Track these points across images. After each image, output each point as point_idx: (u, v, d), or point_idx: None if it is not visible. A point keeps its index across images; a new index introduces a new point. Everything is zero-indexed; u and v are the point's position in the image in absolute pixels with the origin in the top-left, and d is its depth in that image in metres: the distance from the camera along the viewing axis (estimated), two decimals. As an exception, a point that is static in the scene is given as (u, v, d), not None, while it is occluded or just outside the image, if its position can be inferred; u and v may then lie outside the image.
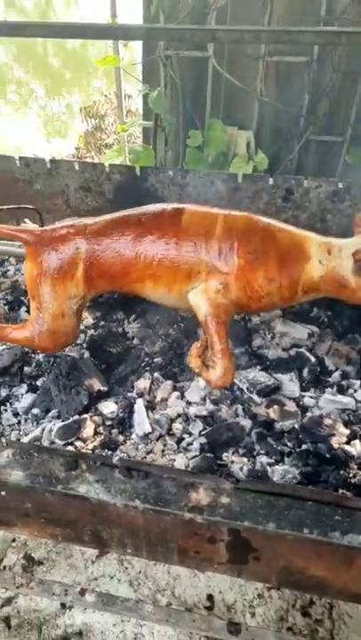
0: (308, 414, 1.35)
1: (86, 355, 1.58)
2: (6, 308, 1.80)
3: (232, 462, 1.25)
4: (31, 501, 1.13)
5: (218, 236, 1.24)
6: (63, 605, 1.78)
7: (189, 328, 1.63)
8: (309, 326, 1.62)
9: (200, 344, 1.32)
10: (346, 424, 1.31)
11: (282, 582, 1.14)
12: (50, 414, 1.42)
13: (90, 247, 1.29)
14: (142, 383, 1.49)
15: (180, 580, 1.80)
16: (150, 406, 1.42)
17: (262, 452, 1.28)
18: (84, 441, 1.33)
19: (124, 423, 1.38)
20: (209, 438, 1.31)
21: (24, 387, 1.51)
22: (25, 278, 1.71)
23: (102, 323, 1.70)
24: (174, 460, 1.25)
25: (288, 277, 1.24)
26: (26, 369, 1.56)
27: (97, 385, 1.46)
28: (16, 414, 1.44)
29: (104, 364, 1.55)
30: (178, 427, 1.36)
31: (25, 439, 1.31)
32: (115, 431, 1.37)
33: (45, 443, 1.29)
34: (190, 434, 1.35)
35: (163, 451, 1.31)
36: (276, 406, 1.38)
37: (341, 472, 1.16)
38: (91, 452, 1.20)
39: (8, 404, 1.46)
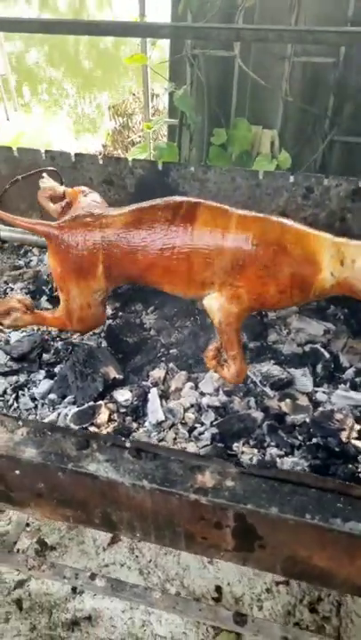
0: (320, 409, 1.36)
1: (104, 344, 1.62)
2: (28, 296, 1.85)
3: (242, 453, 1.27)
4: (44, 481, 1.16)
5: (230, 251, 1.27)
6: (74, 590, 1.82)
7: (205, 322, 1.65)
8: (325, 323, 1.62)
9: (215, 347, 1.38)
10: (358, 420, 1.31)
11: (287, 572, 1.15)
12: (66, 400, 1.45)
13: (107, 252, 1.36)
14: (157, 373, 1.52)
15: (189, 571, 1.82)
16: (164, 395, 1.45)
17: (273, 444, 1.29)
18: (98, 427, 1.36)
19: (137, 411, 1.41)
20: (220, 428, 1.33)
21: (42, 373, 1.55)
22: (51, 273, 1.79)
23: (120, 313, 1.74)
24: (185, 448, 1.28)
25: (299, 288, 1.27)
26: (44, 356, 1.60)
27: (113, 373, 1.49)
28: (33, 399, 1.48)
29: (120, 354, 1.58)
30: (190, 416, 1.38)
31: (41, 423, 1.35)
32: (128, 418, 1.40)
33: (61, 426, 1.33)
34: (202, 423, 1.37)
35: (174, 439, 1.34)
36: (288, 400, 1.39)
37: (350, 466, 1.16)
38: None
39: (26, 389, 1.51)
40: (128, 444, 1.03)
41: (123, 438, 1.08)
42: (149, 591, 1.51)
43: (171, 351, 1.59)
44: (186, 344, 1.60)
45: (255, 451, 1.28)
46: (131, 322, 1.70)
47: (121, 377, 1.49)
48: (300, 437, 1.30)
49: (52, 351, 1.62)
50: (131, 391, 1.46)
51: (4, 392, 1.49)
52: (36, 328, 1.70)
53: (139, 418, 1.41)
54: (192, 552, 1.22)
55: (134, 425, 1.38)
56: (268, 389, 1.44)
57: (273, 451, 1.27)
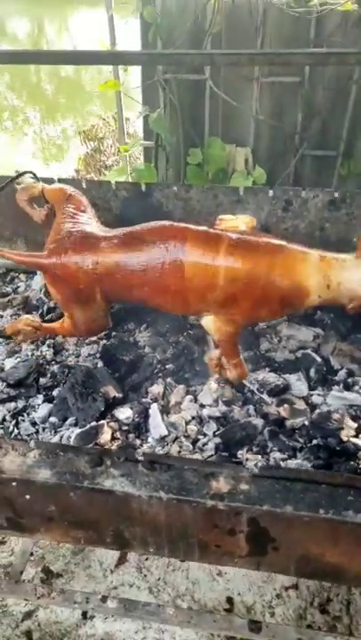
0: (317, 411, 1.41)
1: (100, 364, 1.64)
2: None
3: (247, 460, 1.30)
4: (56, 504, 1.17)
5: (221, 289, 1.35)
6: (84, 616, 1.80)
7: (199, 335, 1.69)
8: (314, 329, 1.69)
9: (216, 356, 1.51)
10: (354, 419, 1.36)
11: (300, 572, 1.17)
12: (67, 422, 1.46)
13: (103, 283, 1.47)
14: (156, 389, 1.54)
15: (198, 585, 1.82)
16: (165, 410, 1.47)
17: (275, 448, 1.33)
18: (102, 446, 1.37)
19: (140, 428, 1.43)
20: (223, 438, 1.36)
21: (40, 397, 1.56)
22: (42, 297, 1.82)
23: (114, 333, 1.76)
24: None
25: (289, 308, 1.41)
26: (41, 380, 1.61)
27: (112, 392, 1.51)
28: (34, 424, 1.48)
29: (117, 373, 1.60)
30: (193, 428, 1.41)
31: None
32: (131, 435, 1.42)
33: (65, 449, 1.34)
34: (205, 435, 1.39)
35: (179, 452, 1.36)
36: (286, 405, 1.43)
37: (352, 463, 1.21)
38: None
39: (25, 415, 1.51)
40: (141, 458, 1.05)
41: (136, 451, 1.10)
42: (162, 608, 1.51)
43: (167, 366, 1.62)
44: (181, 358, 1.64)
45: (259, 457, 1.31)
46: (125, 341, 1.73)
47: (120, 395, 1.51)
48: (300, 440, 1.34)
49: (49, 375, 1.63)
50: (131, 408, 1.48)
51: (4, 419, 1.49)
52: (30, 354, 1.71)
53: (141, 434, 1.42)
54: (206, 562, 1.23)
55: (138, 441, 1.40)
56: (265, 396, 1.48)
57: (276, 455, 1.30)
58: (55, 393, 1.55)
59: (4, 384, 1.58)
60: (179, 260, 1.36)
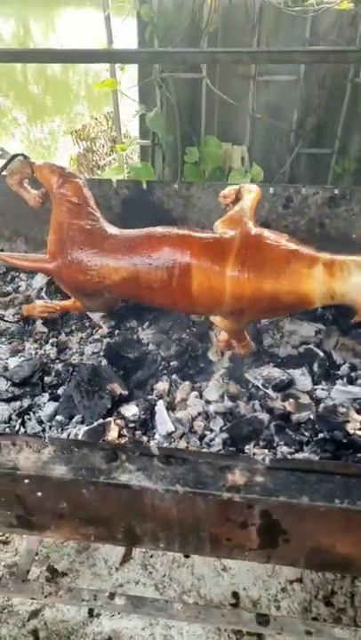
0: (322, 405, 1.42)
1: (104, 362, 1.64)
2: (21, 322, 1.85)
3: (254, 454, 1.31)
4: (68, 500, 1.17)
5: (228, 304, 1.39)
6: (90, 614, 1.80)
7: (202, 331, 1.70)
8: (316, 324, 1.70)
9: (224, 338, 1.58)
10: (359, 412, 1.38)
11: (310, 563, 1.19)
12: (74, 420, 1.46)
13: (109, 287, 1.48)
14: (161, 385, 1.55)
15: (204, 580, 1.84)
16: (171, 407, 1.48)
17: (282, 442, 1.34)
18: (109, 443, 1.38)
19: (146, 424, 1.44)
20: (230, 433, 1.37)
21: (45, 395, 1.56)
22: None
23: (117, 331, 1.77)
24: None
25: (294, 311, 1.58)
26: (46, 378, 1.61)
27: (118, 389, 1.51)
28: (40, 422, 1.48)
29: (122, 370, 1.61)
30: (199, 424, 1.42)
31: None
32: (138, 432, 1.42)
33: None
34: (212, 430, 1.40)
35: (187, 447, 1.37)
36: (291, 399, 1.45)
37: (359, 455, 1.22)
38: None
39: (32, 413, 1.51)
40: (157, 452, 1.06)
41: (150, 444, 1.11)
42: (170, 604, 1.52)
43: (171, 363, 1.62)
44: (185, 355, 1.65)
45: (266, 451, 1.32)
46: (128, 338, 1.73)
47: (126, 393, 1.52)
48: (306, 434, 1.36)
49: (53, 373, 1.63)
50: (137, 405, 1.48)
51: (10, 418, 1.49)
52: (33, 352, 1.71)
53: (148, 431, 1.43)
54: (216, 555, 1.25)
55: (145, 438, 1.41)
56: (270, 391, 1.49)
57: (283, 449, 1.31)
58: (60, 391, 1.56)
59: (9, 383, 1.58)
60: (187, 282, 1.39)
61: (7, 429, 1.45)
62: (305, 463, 1.05)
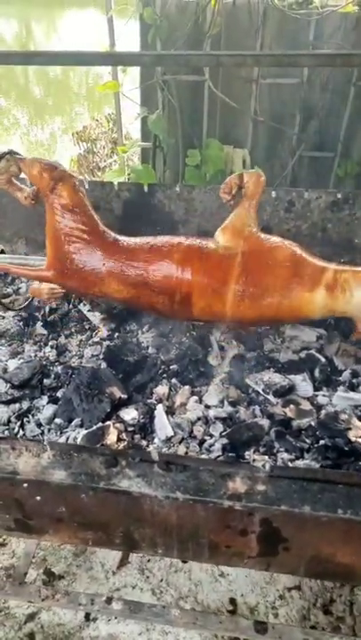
0: (323, 411, 1.41)
1: (103, 365, 1.63)
2: (21, 324, 1.85)
3: (254, 460, 1.30)
4: (66, 505, 1.16)
5: (228, 322, 1.50)
6: (87, 618, 1.79)
7: (202, 335, 1.69)
8: (317, 329, 1.69)
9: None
10: (360, 419, 1.37)
11: (310, 572, 1.18)
12: (73, 423, 1.46)
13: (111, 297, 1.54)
14: (161, 389, 1.54)
15: (201, 586, 1.82)
16: (170, 411, 1.47)
17: (282, 449, 1.33)
18: (108, 447, 1.37)
19: (145, 428, 1.43)
20: (230, 438, 1.36)
21: (45, 398, 1.55)
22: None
23: (117, 334, 1.76)
24: (198, 460, 1.30)
25: None
26: (45, 381, 1.60)
27: (117, 393, 1.50)
28: (39, 425, 1.47)
29: (121, 374, 1.60)
30: (199, 429, 1.41)
31: (52, 447, 1.35)
32: (137, 436, 1.41)
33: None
34: (211, 435, 1.39)
35: (186, 453, 1.36)
36: (291, 405, 1.44)
37: (361, 463, 1.22)
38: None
39: (31, 416, 1.50)
40: (157, 458, 1.05)
41: (151, 451, 1.10)
42: (167, 609, 1.50)
43: (171, 367, 1.61)
44: (185, 359, 1.64)
45: (266, 457, 1.31)
46: (128, 341, 1.72)
47: (126, 396, 1.51)
48: (307, 440, 1.35)
49: (53, 376, 1.62)
50: (136, 409, 1.47)
51: (9, 420, 1.48)
52: (33, 355, 1.70)
53: (147, 435, 1.42)
54: (215, 562, 1.24)
55: (144, 442, 1.40)
56: (270, 397, 1.48)
57: (284, 455, 1.30)
58: (60, 394, 1.55)
59: (9, 385, 1.57)
60: (188, 306, 1.46)
61: (6, 432, 1.45)
62: (307, 472, 1.04)
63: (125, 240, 1.51)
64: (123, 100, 3.01)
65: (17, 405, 1.53)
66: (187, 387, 1.54)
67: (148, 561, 1.92)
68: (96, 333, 1.76)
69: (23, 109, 8.54)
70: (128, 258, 1.46)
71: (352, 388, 1.49)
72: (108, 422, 1.43)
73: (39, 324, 1.81)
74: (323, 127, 2.73)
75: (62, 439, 1.40)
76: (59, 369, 1.63)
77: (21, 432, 1.44)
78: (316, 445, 1.32)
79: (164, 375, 1.59)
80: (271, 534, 1.08)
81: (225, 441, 1.36)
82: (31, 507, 1.20)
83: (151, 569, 1.89)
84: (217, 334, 1.69)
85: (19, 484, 1.09)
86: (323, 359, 1.58)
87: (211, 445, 1.37)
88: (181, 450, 1.37)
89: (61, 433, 1.44)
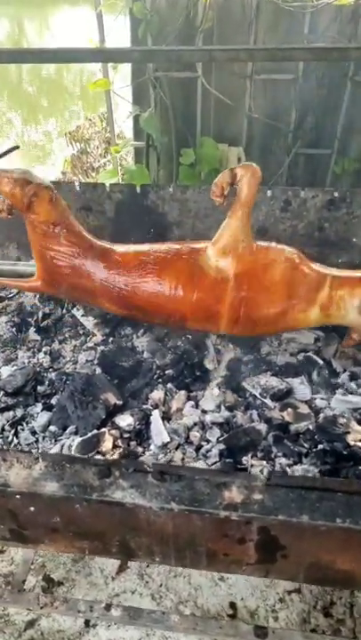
0: (322, 415, 1.40)
1: (98, 370, 1.61)
2: (14, 330, 1.82)
3: (252, 466, 1.28)
4: (61, 515, 1.15)
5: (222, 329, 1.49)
6: (87, 624, 1.78)
7: (198, 339, 1.67)
8: (315, 331, 1.67)
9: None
10: (359, 422, 1.35)
11: (309, 578, 1.17)
12: (67, 430, 1.43)
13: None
14: (156, 395, 1.52)
15: (201, 590, 1.81)
16: (166, 417, 1.45)
17: (280, 454, 1.31)
18: (104, 454, 1.35)
19: (141, 435, 1.41)
20: (227, 444, 1.34)
21: (39, 405, 1.53)
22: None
23: (111, 339, 1.73)
24: (195, 466, 1.28)
25: None
26: (39, 388, 1.58)
27: (112, 399, 1.48)
28: (33, 433, 1.45)
29: (116, 379, 1.57)
30: (195, 434, 1.39)
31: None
32: (133, 443, 1.39)
33: (66, 458, 1.32)
34: (208, 441, 1.38)
35: (182, 459, 1.34)
36: (289, 409, 1.42)
37: (360, 467, 1.20)
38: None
39: (24, 424, 1.48)
40: (151, 468, 1.03)
41: (144, 461, 1.08)
42: (167, 615, 1.49)
43: (167, 372, 1.59)
44: (181, 363, 1.61)
45: (264, 462, 1.30)
46: (123, 346, 1.70)
47: (121, 402, 1.49)
48: (306, 445, 1.33)
49: (47, 382, 1.60)
50: (132, 415, 1.45)
51: (3, 429, 1.46)
52: (26, 361, 1.68)
53: (143, 441, 1.40)
54: (213, 570, 1.22)
55: (140, 449, 1.38)
56: (268, 401, 1.46)
57: (282, 460, 1.29)
58: (54, 401, 1.52)
59: (2, 393, 1.54)
60: (183, 325, 1.48)
61: (0, 440, 1.43)
62: (305, 480, 1.02)
63: (115, 253, 1.48)
64: (116, 99, 2.98)
65: (11, 413, 1.51)
66: (183, 391, 1.52)
67: (148, 566, 1.91)
68: (90, 338, 1.74)
69: (16, 109, 8.47)
70: (118, 278, 1.45)
71: (351, 390, 1.47)
72: (103, 429, 1.41)
73: (32, 329, 1.79)
74: (319, 123, 2.69)
75: (57, 447, 1.38)
76: (53, 375, 1.61)
77: (15, 440, 1.43)
78: (314, 450, 1.30)
79: (160, 380, 1.57)
80: (269, 542, 1.06)
81: (222, 446, 1.34)
82: (25, 517, 1.18)
83: (150, 574, 1.88)
84: (213, 337, 1.67)
85: (11, 495, 1.07)
86: (321, 361, 1.56)
87: (208, 451, 1.35)
88: (178, 456, 1.35)
89: (56, 441, 1.42)
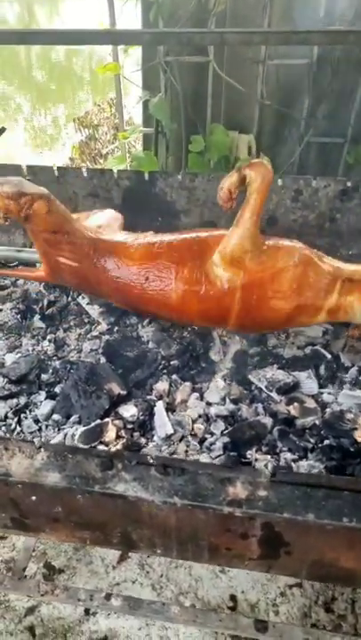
0: (328, 410, 1.37)
1: (102, 360, 1.59)
2: (19, 317, 1.80)
3: (256, 460, 1.26)
4: (62, 505, 1.13)
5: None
6: (87, 612, 1.78)
7: (204, 330, 1.64)
8: (323, 324, 1.64)
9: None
10: (367, 418, 1.32)
11: (312, 575, 1.15)
12: (71, 420, 1.42)
13: None
14: (161, 386, 1.50)
15: (202, 582, 1.81)
16: (170, 408, 1.43)
17: (285, 448, 1.29)
18: (107, 445, 1.33)
19: (145, 426, 1.39)
20: (231, 437, 1.32)
21: (42, 394, 1.52)
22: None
23: (116, 328, 1.71)
24: (198, 459, 1.27)
25: None
26: (43, 376, 1.57)
27: (116, 389, 1.47)
28: (36, 421, 1.44)
29: (121, 369, 1.56)
30: (200, 427, 1.37)
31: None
32: (136, 434, 1.38)
33: (69, 447, 1.30)
34: (212, 434, 1.36)
35: (186, 451, 1.32)
36: (295, 403, 1.40)
37: (367, 465, 1.18)
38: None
39: (28, 412, 1.47)
40: (154, 461, 1.02)
41: (147, 454, 1.07)
42: (167, 606, 1.49)
43: (172, 363, 1.57)
44: (186, 354, 1.59)
45: (268, 457, 1.28)
46: (128, 336, 1.68)
47: (125, 392, 1.47)
48: (311, 440, 1.30)
49: (51, 371, 1.58)
50: (136, 406, 1.44)
51: (6, 416, 1.45)
52: (30, 349, 1.66)
53: (146, 432, 1.39)
54: (215, 563, 1.21)
55: (143, 440, 1.36)
56: (274, 394, 1.44)
57: (287, 455, 1.27)
58: (58, 390, 1.51)
59: (6, 380, 1.53)
60: (190, 324, 1.52)
61: (3, 427, 1.42)
62: (311, 477, 1.00)
63: (120, 258, 1.46)
64: (125, 84, 2.92)
65: (14, 401, 1.49)
66: (188, 383, 1.50)
67: (148, 556, 1.90)
68: (95, 327, 1.72)
69: (25, 95, 8.40)
70: (123, 285, 1.47)
71: (359, 385, 1.44)
72: (106, 419, 1.39)
73: (37, 317, 1.77)
74: (332, 111, 2.62)
75: (60, 436, 1.37)
76: (57, 364, 1.59)
77: (18, 428, 1.41)
78: (320, 445, 1.28)
79: (165, 371, 1.55)
80: (273, 538, 1.05)
81: (226, 440, 1.32)
82: (27, 506, 1.17)
83: (151, 564, 1.88)
84: (219, 329, 1.64)
85: (13, 484, 1.06)
86: (329, 355, 1.53)
87: (212, 444, 1.33)
88: (181, 448, 1.33)
89: (59, 429, 1.40)
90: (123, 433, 1.37)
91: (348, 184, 1.65)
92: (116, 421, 1.40)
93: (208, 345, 1.60)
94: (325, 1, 2.35)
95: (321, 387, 1.45)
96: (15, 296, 1.90)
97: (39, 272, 1.59)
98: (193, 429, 1.37)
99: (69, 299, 1.82)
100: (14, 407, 1.47)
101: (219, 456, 1.27)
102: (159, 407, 1.42)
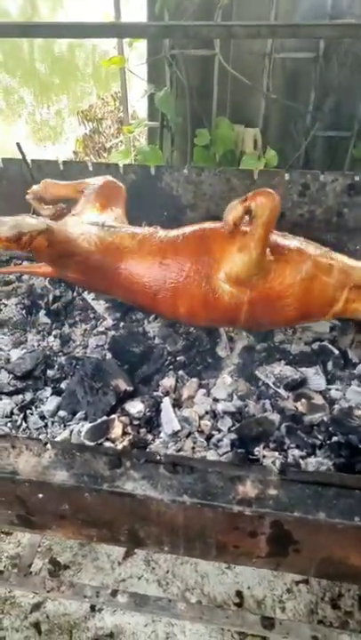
0: (336, 406, 1.36)
1: (108, 355, 1.58)
2: (24, 312, 1.79)
3: (264, 457, 1.25)
4: (69, 503, 1.13)
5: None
6: (93, 608, 1.78)
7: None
8: (331, 320, 1.62)
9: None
10: (375, 415, 1.31)
11: (321, 573, 1.14)
12: (77, 416, 1.41)
13: None
14: (167, 382, 1.49)
15: (208, 578, 1.80)
16: (177, 404, 1.43)
17: (293, 445, 1.28)
18: (113, 441, 1.33)
19: (151, 422, 1.38)
20: (239, 434, 1.31)
21: (48, 390, 1.51)
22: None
23: (122, 324, 1.70)
24: (205, 456, 1.26)
25: None
26: (48, 372, 1.56)
27: (123, 385, 1.46)
28: (42, 417, 1.43)
29: (127, 365, 1.55)
30: (206, 423, 1.36)
31: (55, 441, 1.31)
32: (143, 430, 1.37)
33: (76, 444, 1.29)
34: (219, 430, 1.35)
35: (193, 448, 1.31)
36: (303, 400, 1.39)
37: (376, 462, 1.16)
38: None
39: (34, 408, 1.46)
40: (163, 459, 1.01)
41: (156, 452, 1.06)
42: (174, 603, 1.48)
43: (178, 358, 1.56)
44: (193, 350, 1.58)
45: (276, 453, 1.27)
46: (134, 331, 1.67)
47: (131, 388, 1.46)
48: (320, 437, 1.29)
49: (56, 367, 1.57)
50: (142, 402, 1.43)
51: (12, 412, 1.44)
52: (36, 344, 1.65)
53: (153, 429, 1.38)
54: (222, 561, 1.20)
55: (149, 437, 1.35)
56: (281, 390, 1.43)
57: (295, 452, 1.26)
58: (63, 386, 1.50)
59: (11, 376, 1.52)
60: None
61: (9, 424, 1.41)
62: (322, 476, 0.98)
63: (125, 272, 1.48)
64: (130, 77, 2.90)
65: (20, 397, 1.49)
66: (194, 379, 1.49)
67: (154, 552, 1.90)
68: (101, 322, 1.71)
69: (28, 88, 8.35)
70: (130, 295, 1.51)
71: (367, 382, 1.43)
72: (112, 415, 1.38)
73: (42, 312, 1.76)
74: (339, 105, 2.59)
75: (66, 432, 1.36)
76: (62, 359, 1.58)
77: (24, 425, 1.41)
78: (328, 442, 1.27)
79: (171, 367, 1.54)
80: (282, 537, 1.04)
81: (233, 436, 1.31)
82: (33, 504, 1.16)
83: (157, 560, 1.88)
84: (226, 325, 1.63)
85: (20, 482, 1.06)
86: (336, 351, 1.52)
87: (219, 441, 1.32)
88: (188, 445, 1.33)
89: (65, 426, 1.40)
90: (129, 429, 1.37)
91: (356, 178, 1.63)
92: (123, 418, 1.39)
93: (215, 341, 1.59)
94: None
95: (329, 383, 1.44)
96: (20, 291, 1.89)
97: (45, 268, 1.60)
98: (200, 426, 1.36)
99: (75, 294, 1.81)
100: (20, 403, 1.47)
101: (226, 453, 1.26)
102: (166, 403, 1.41)
